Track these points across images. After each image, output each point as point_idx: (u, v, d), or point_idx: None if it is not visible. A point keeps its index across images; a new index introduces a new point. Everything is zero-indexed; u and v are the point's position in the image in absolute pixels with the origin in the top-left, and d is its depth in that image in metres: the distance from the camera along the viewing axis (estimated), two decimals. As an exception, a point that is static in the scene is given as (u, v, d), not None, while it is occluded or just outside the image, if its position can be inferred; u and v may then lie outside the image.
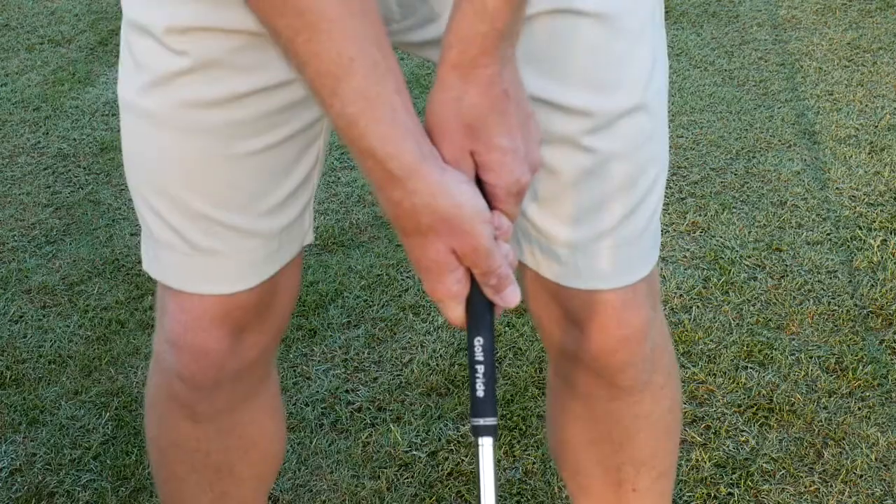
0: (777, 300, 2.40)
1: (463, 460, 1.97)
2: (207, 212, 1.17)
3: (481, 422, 1.03)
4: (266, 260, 1.21)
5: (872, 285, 2.42)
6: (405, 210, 0.97)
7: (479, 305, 1.02)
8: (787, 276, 2.48)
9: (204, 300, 1.22)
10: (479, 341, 1.02)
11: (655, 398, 1.33)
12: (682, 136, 3.14)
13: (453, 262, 0.99)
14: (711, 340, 2.27)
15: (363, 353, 2.30)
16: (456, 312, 1.02)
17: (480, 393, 1.03)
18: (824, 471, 1.94)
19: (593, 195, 1.16)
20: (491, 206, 1.01)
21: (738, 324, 2.33)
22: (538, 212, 1.18)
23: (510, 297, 1.01)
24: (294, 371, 2.24)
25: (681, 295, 2.42)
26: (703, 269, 2.52)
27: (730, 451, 1.99)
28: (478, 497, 1.05)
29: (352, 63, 0.93)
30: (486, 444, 1.03)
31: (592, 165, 1.15)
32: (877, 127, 3.14)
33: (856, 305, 2.37)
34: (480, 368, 1.02)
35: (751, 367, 2.19)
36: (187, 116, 1.12)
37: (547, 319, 1.29)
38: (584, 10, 1.10)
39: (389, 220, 0.99)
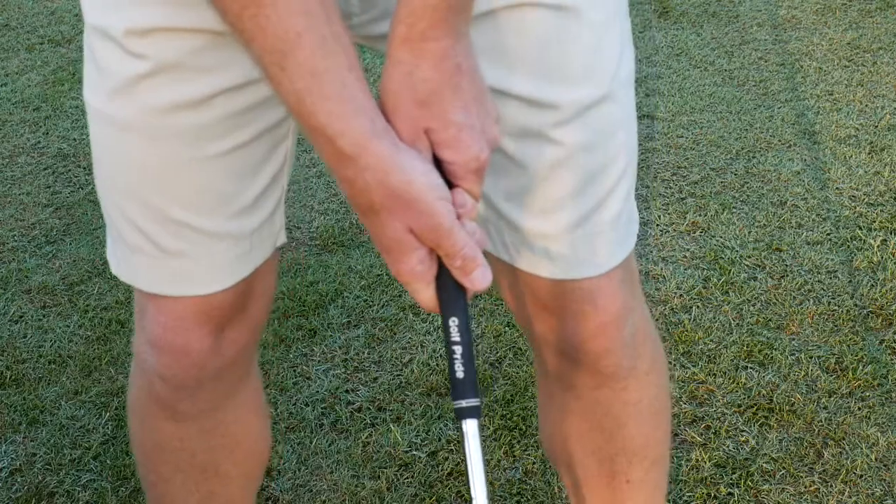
0: (777, 300, 2.40)
1: (463, 460, 1.97)
2: (176, 215, 1.16)
3: (463, 403, 1.01)
4: (237, 261, 1.21)
5: (872, 285, 2.42)
6: (358, 188, 0.96)
7: (450, 286, 1.00)
8: (787, 276, 2.48)
9: (180, 302, 1.22)
10: (453, 321, 1.01)
11: (641, 385, 1.33)
12: (682, 136, 3.14)
13: (412, 241, 0.98)
14: (711, 340, 2.27)
15: (363, 353, 2.30)
16: (424, 295, 1.00)
17: (460, 374, 1.01)
18: (824, 471, 1.94)
19: (563, 187, 1.16)
20: (452, 185, 0.99)
21: (738, 324, 2.33)
22: (509, 205, 1.18)
23: (479, 279, 1.00)
24: (294, 371, 2.24)
25: (681, 295, 2.42)
26: (703, 269, 2.52)
27: (730, 451, 1.99)
28: (468, 480, 1.03)
29: (299, 38, 0.92)
30: (470, 426, 1.01)
31: (562, 158, 1.14)
32: (877, 127, 3.14)
33: (856, 305, 2.37)
34: (458, 349, 1.01)
35: (751, 367, 2.19)
36: (153, 121, 1.11)
37: (525, 311, 1.29)
38: (548, 2, 1.09)
39: (346, 199, 0.99)
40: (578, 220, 1.18)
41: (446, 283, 1.00)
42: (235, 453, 1.39)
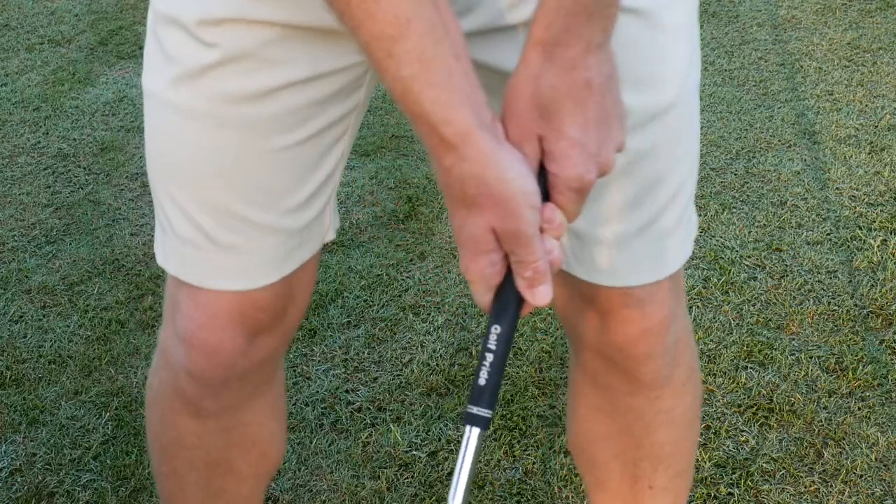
0: (777, 300, 2.40)
1: (463, 460, 1.97)
2: (234, 208, 1.16)
3: (474, 410, 1.01)
4: (286, 257, 1.21)
5: (872, 285, 2.42)
6: (454, 177, 0.95)
7: (508, 295, 1.00)
8: (787, 276, 2.48)
9: (220, 298, 1.21)
10: (496, 329, 1.00)
11: (677, 394, 1.33)
12: (682, 136, 3.14)
13: (491, 242, 0.97)
14: (711, 340, 2.27)
15: (363, 353, 2.29)
16: (484, 298, 1.00)
17: (482, 381, 1.00)
18: (824, 471, 1.94)
19: (624, 194, 1.16)
20: (549, 198, 0.98)
21: (738, 324, 2.32)
22: None
23: (541, 295, 0.98)
24: (294, 371, 2.24)
25: (681, 295, 2.42)
26: (703, 269, 2.52)
27: (730, 451, 1.99)
28: (454, 484, 1.02)
29: (408, 24, 0.91)
30: (472, 434, 1.01)
31: (625, 164, 1.13)
32: (877, 127, 3.14)
33: (856, 305, 2.37)
34: (489, 357, 1.00)
35: (751, 367, 2.19)
36: (220, 109, 1.12)
37: (571, 312, 1.29)
38: (625, 6, 1.08)
39: (440, 188, 0.98)
40: (639, 227, 1.18)
41: (506, 292, 1.00)
42: (251, 453, 1.40)
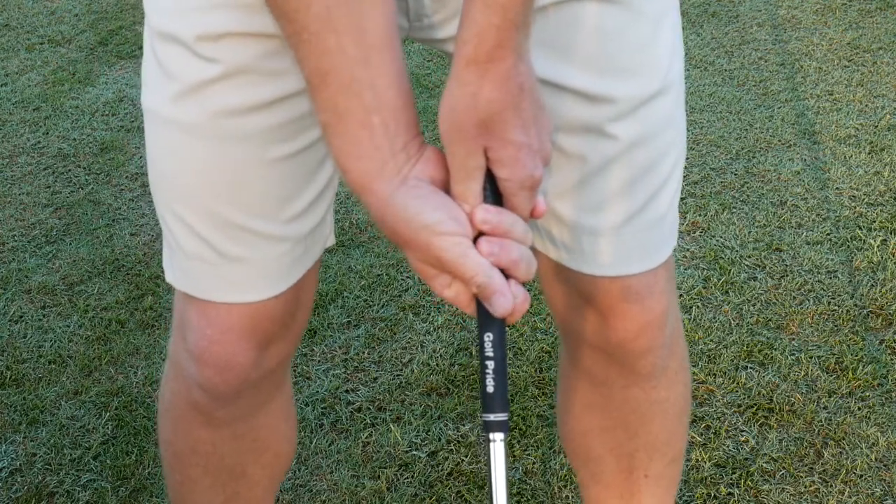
0: (777, 300, 2.40)
1: (463, 460, 1.97)
2: (239, 220, 1.16)
3: (492, 417, 1.03)
4: (292, 265, 1.21)
5: (872, 285, 2.42)
6: (373, 218, 1.00)
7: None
8: (787, 276, 2.48)
9: (231, 312, 1.21)
10: (488, 337, 1.02)
11: (671, 383, 1.34)
12: (682, 136, 3.14)
13: (431, 269, 1.00)
14: (711, 340, 2.27)
15: (363, 353, 2.30)
16: (468, 308, 1.03)
17: (490, 388, 1.02)
18: (824, 471, 1.94)
19: (616, 182, 1.16)
20: (503, 202, 1.00)
21: (738, 324, 2.32)
22: (560, 201, 1.17)
23: (497, 305, 1.00)
24: (294, 371, 2.24)
25: (681, 295, 2.42)
26: (703, 269, 2.52)
27: (730, 451, 1.99)
28: (489, 493, 1.05)
29: (325, 76, 0.95)
30: (497, 440, 1.03)
31: (616, 153, 1.14)
32: (877, 127, 3.14)
33: (856, 305, 2.37)
34: (490, 364, 1.02)
35: (751, 367, 2.19)
36: (223, 124, 1.12)
37: (565, 307, 1.29)
38: None
39: None
40: (629, 216, 1.18)
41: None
42: (263, 457, 1.40)
